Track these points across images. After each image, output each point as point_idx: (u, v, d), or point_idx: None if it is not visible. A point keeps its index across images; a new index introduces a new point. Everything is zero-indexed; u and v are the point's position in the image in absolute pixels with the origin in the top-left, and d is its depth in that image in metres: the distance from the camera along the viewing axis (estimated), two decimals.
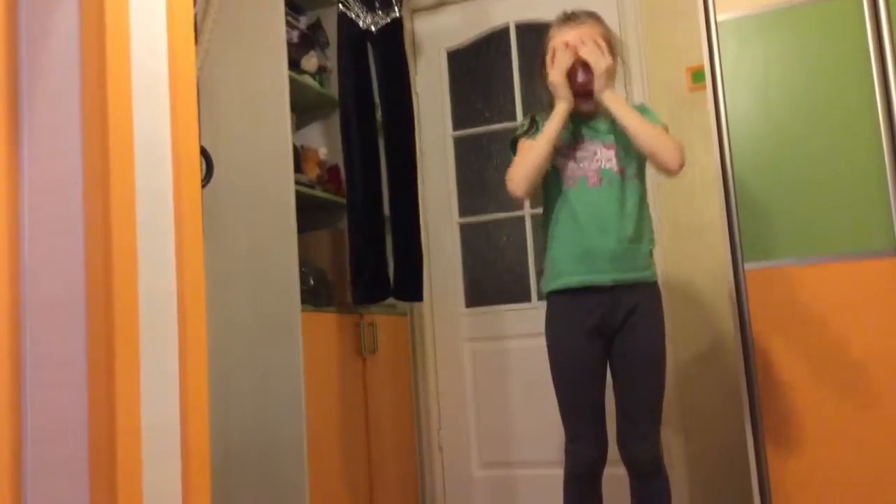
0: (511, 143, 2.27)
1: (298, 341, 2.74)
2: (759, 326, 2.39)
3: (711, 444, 3.06)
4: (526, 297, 3.45)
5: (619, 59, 2.22)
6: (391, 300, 3.22)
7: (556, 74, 2.13)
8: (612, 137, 2.17)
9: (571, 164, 2.15)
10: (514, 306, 3.46)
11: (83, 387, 1.31)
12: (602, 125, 2.19)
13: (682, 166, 2.10)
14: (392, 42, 3.24)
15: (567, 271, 2.13)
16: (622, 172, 2.14)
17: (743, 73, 2.46)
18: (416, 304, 3.53)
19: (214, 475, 2.81)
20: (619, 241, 2.09)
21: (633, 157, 2.15)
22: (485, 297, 3.55)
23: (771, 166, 2.43)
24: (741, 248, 2.43)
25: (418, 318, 3.55)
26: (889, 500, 2.23)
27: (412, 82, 3.55)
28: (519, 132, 2.24)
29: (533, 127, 2.19)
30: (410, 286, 3.22)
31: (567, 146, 2.17)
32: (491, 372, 3.44)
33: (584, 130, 2.19)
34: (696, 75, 3.08)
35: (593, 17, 2.21)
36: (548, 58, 2.18)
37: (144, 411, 1.35)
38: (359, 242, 2.98)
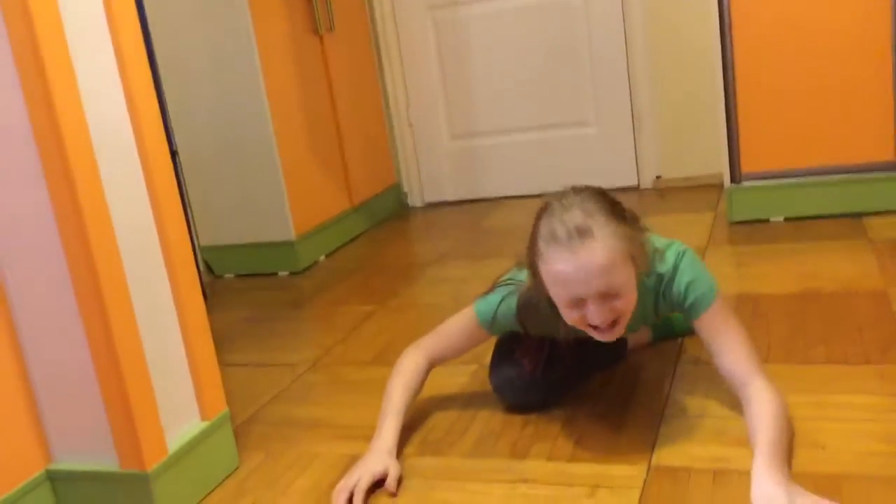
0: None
1: (248, 21, 2.54)
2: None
3: (683, 97, 3.01)
4: None
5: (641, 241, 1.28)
6: None
7: None
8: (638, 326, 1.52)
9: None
10: None
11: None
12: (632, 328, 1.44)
13: None
14: None
15: None
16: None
17: None
18: None
19: (189, 180, 2.76)
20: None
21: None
22: None
23: None
24: None
25: None
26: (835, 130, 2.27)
27: None
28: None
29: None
30: None
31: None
32: (455, 42, 3.28)
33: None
34: None
35: (609, 226, 1.19)
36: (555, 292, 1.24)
37: (88, 112, 1.23)
38: None
